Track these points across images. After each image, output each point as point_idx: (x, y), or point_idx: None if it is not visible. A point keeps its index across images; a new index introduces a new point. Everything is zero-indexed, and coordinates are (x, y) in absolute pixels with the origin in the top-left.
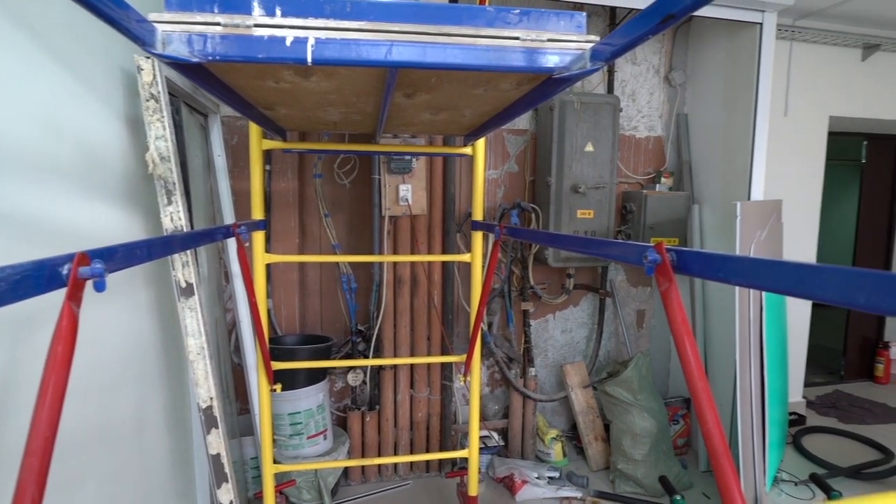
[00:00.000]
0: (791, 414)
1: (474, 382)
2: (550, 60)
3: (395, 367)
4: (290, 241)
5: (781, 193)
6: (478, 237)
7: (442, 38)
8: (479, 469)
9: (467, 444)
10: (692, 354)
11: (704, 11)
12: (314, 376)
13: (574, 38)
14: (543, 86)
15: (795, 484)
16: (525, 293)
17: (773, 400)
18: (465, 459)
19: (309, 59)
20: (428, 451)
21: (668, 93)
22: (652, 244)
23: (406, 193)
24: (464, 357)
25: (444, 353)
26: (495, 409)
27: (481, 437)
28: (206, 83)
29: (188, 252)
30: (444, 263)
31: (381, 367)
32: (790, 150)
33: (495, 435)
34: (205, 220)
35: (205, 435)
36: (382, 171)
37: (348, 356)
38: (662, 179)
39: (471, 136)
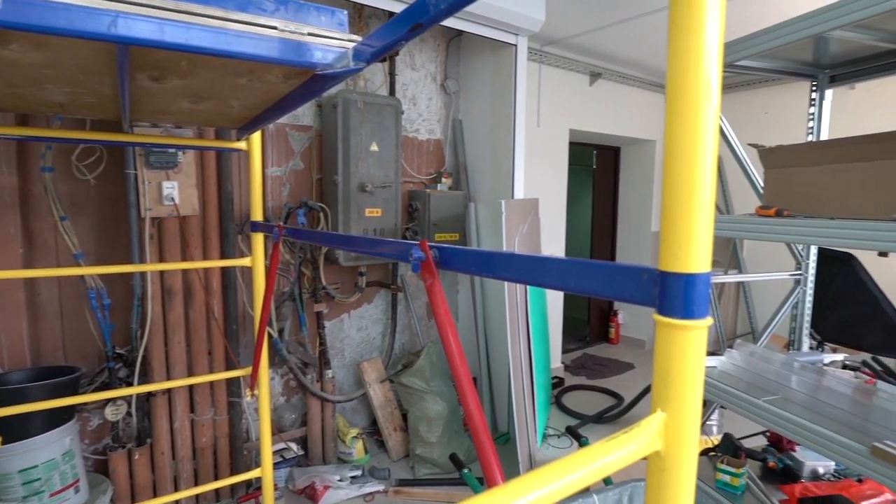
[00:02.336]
0: (554, 378)
1: (263, 394)
2: (313, 56)
3: (169, 391)
4: (8, 252)
5: (538, 193)
6: (258, 239)
7: (183, 16)
8: (276, 485)
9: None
10: (454, 343)
11: (469, 28)
12: (56, 418)
13: (336, 35)
14: (312, 82)
15: (559, 437)
16: (318, 294)
17: (539, 368)
18: (261, 478)
19: None
20: (217, 478)
21: (445, 99)
22: (416, 242)
23: (172, 191)
24: (251, 369)
25: (229, 367)
26: (293, 418)
27: (279, 451)
28: None
29: None
30: (223, 269)
31: (150, 394)
32: (543, 155)
33: (294, 445)
34: None
35: None
36: (139, 166)
37: (105, 386)
38: (443, 179)
39: (244, 130)
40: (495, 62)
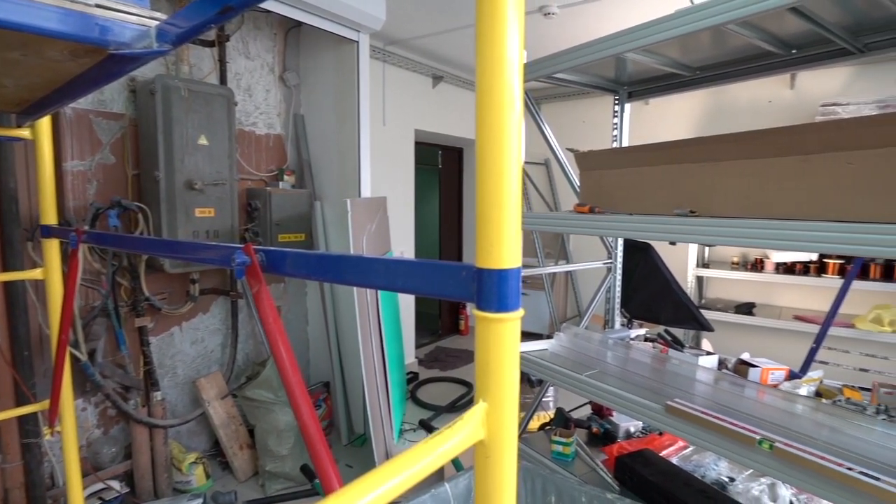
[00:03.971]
0: (409, 373)
1: (67, 429)
2: (104, 32)
3: None
4: None
5: (386, 192)
6: (52, 247)
7: None
8: None
9: None
10: (285, 353)
11: (308, 20)
12: None
13: (133, 10)
14: (109, 62)
15: (414, 430)
16: (139, 307)
17: (393, 365)
18: None
19: None
20: None
21: (284, 92)
22: (240, 246)
23: None
24: (48, 402)
25: (20, 402)
26: (113, 452)
27: (96, 493)
28: None
29: None
30: (6, 285)
31: None
32: (390, 154)
33: (116, 483)
34: None
35: None
36: None
37: None
38: (285, 177)
39: (27, 115)
40: (337, 57)
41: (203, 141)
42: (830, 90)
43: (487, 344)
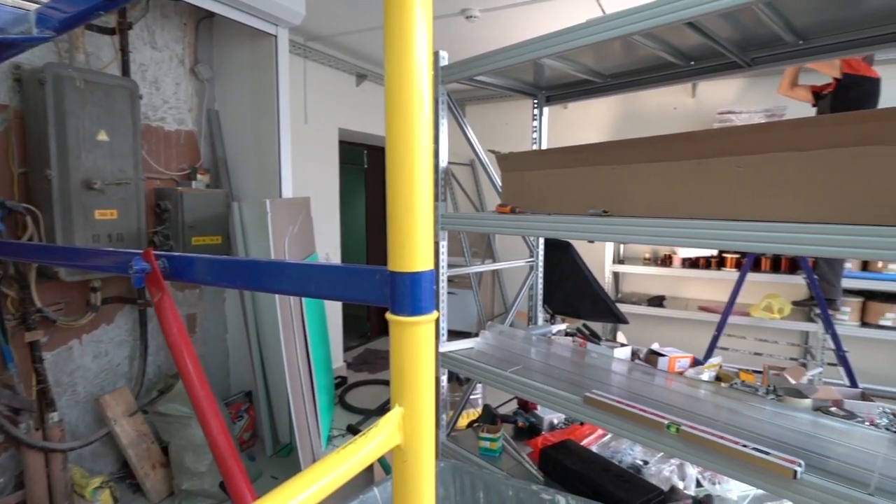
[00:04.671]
0: (337, 377)
1: None
2: None
3: None
4: None
5: (309, 192)
6: None
7: None
8: None
9: None
10: (192, 365)
11: (221, 11)
12: None
13: None
14: None
15: (343, 436)
16: (30, 320)
17: (319, 370)
18: None
19: None
20: None
21: (196, 86)
22: (139, 252)
23: None
24: None
25: None
26: (2, 483)
27: None
28: None
29: None
30: None
31: None
32: (313, 153)
33: None
34: None
35: None
36: None
37: None
38: (199, 176)
39: None
40: (254, 52)
41: (103, 136)
42: (726, 99)
43: (402, 348)
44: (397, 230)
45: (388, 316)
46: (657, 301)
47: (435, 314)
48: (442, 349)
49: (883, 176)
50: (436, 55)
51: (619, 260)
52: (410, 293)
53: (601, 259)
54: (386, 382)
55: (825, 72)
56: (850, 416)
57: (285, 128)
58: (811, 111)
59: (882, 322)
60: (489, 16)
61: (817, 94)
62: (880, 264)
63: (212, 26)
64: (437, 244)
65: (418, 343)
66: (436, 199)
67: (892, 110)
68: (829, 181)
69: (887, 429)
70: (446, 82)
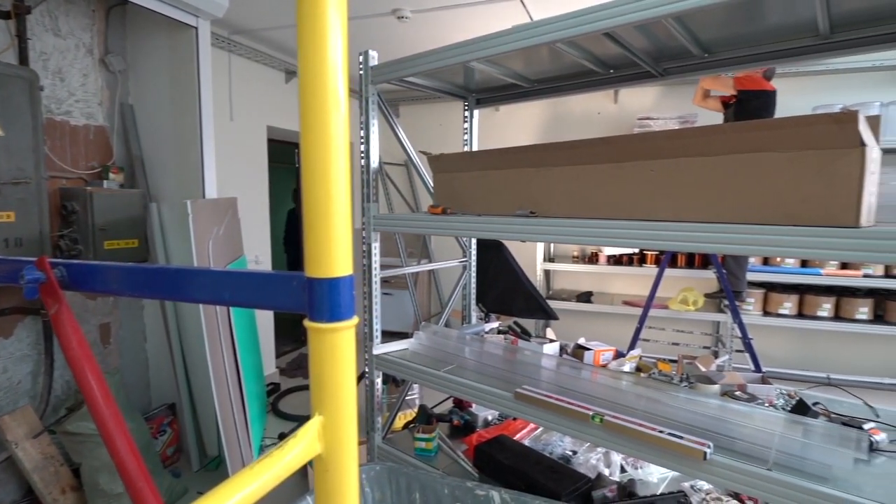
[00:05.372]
0: (269, 384)
1: None
2: None
3: None
4: None
5: (238, 192)
6: None
7: None
8: None
9: None
10: (95, 384)
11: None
12: None
13: None
14: None
15: (275, 444)
16: None
17: (249, 378)
18: None
19: None
20: None
21: (108, 78)
22: (32, 259)
23: None
24: None
25: None
26: None
27: None
28: None
29: None
30: None
31: None
32: (239, 152)
33: None
34: None
35: None
36: None
37: None
38: (111, 175)
39: None
40: (173, 43)
41: None
42: (645, 106)
43: (321, 355)
44: (314, 235)
45: (307, 323)
46: (585, 297)
47: (355, 320)
48: (376, 351)
49: (773, 180)
50: (365, 55)
51: (549, 258)
52: (329, 299)
53: (533, 257)
54: None
55: (719, 89)
56: (753, 398)
57: (208, 124)
58: (721, 119)
59: (781, 311)
60: (421, 17)
61: (726, 104)
62: (778, 259)
63: (125, 14)
64: (369, 245)
65: (338, 350)
66: (367, 200)
67: (780, 120)
68: (732, 185)
69: (784, 409)
70: (376, 82)
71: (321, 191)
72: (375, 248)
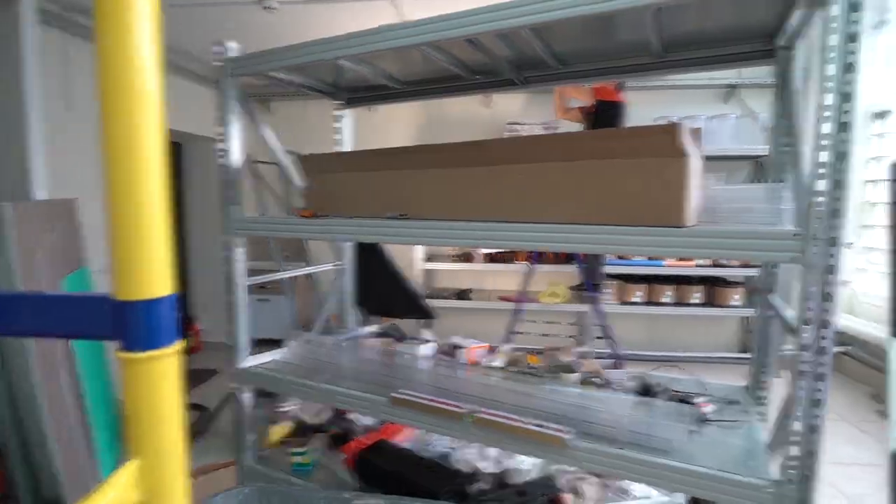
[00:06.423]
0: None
1: None
2: None
3: None
4: None
5: (84, 192)
6: None
7: None
8: None
9: None
10: None
11: None
12: None
13: None
14: None
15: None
16: None
17: (98, 404)
18: None
19: None
20: None
21: None
22: None
23: None
24: None
25: None
26: None
27: None
28: None
29: None
30: None
31: None
32: (82, 147)
33: None
34: None
35: None
36: None
37: None
38: None
39: None
40: None
41: None
42: (515, 111)
43: (138, 390)
44: (123, 251)
45: (118, 354)
46: (464, 294)
47: (178, 345)
48: (244, 365)
49: (622, 185)
50: (222, 45)
51: (428, 257)
52: (145, 324)
53: (412, 257)
54: (188, 406)
55: (579, 97)
56: (607, 384)
57: (36, 115)
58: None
59: (633, 299)
60: (290, 9)
61: (587, 114)
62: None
63: None
64: (234, 250)
65: (158, 382)
66: (230, 201)
67: (626, 130)
68: (589, 188)
69: (634, 392)
70: (236, 75)
71: (131, 199)
72: (240, 252)
